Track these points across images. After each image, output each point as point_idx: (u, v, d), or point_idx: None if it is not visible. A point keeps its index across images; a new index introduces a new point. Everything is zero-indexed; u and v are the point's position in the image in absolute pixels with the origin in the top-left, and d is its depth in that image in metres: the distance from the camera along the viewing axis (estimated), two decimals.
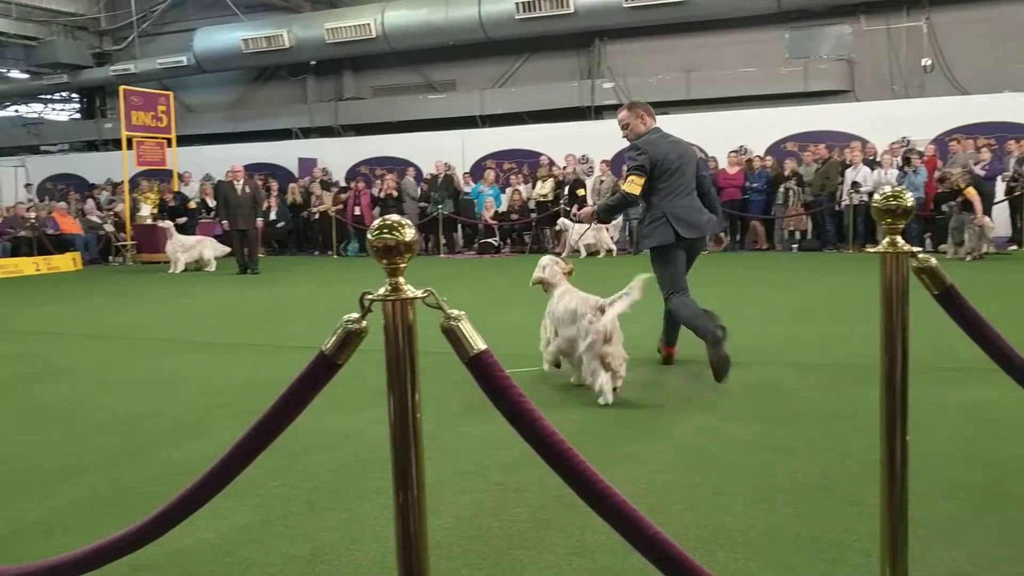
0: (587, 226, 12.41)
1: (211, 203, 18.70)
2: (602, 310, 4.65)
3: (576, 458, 1.39)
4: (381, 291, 1.44)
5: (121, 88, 17.85)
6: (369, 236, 1.44)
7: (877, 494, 2.18)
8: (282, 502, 3.31)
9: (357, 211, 18.01)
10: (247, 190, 14.07)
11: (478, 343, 1.44)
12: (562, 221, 15.83)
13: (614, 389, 4.67)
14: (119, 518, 3.22)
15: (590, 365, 4.63)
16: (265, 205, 16.54)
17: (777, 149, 17.07)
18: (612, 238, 15.97)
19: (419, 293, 1.45)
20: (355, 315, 1.46)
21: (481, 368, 1.43)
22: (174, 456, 4.00)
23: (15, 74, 27.54)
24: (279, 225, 18.73)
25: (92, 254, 17.80)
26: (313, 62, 22.73)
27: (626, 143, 5.55)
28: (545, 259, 5.26)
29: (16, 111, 32.41)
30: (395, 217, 1.46)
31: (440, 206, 17.11)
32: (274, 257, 17.89)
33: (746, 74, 18.68)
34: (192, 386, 5.58)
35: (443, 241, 17.31)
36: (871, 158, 15.35)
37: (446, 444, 3.96)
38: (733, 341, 5.20)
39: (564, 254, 15.00)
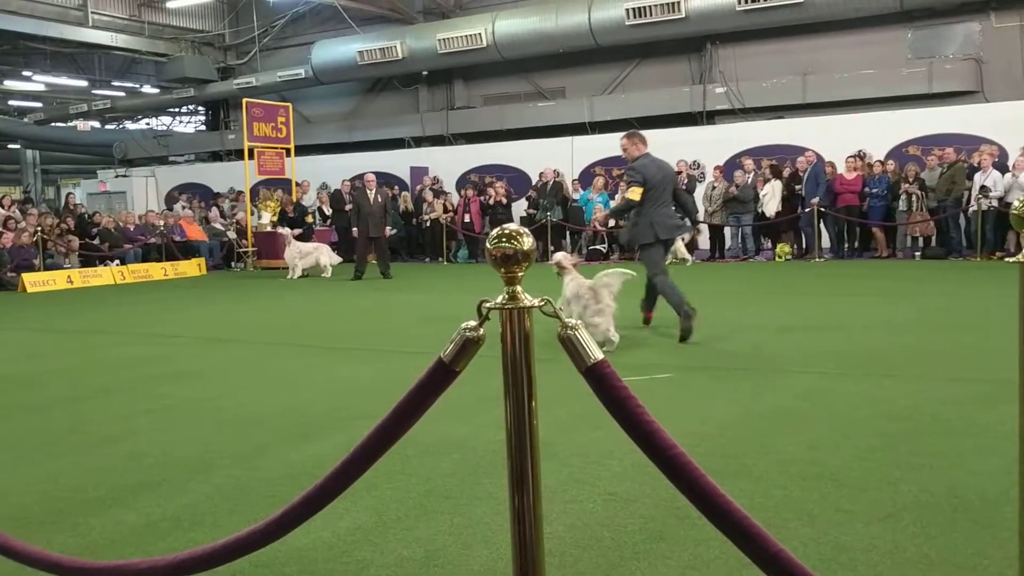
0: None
1: (327, 211, 19.30)
2: (592, 289, 6.47)
3: (696, 471, 1.36)
4: (499, 299, 1.45)
5: (244, 101, 18.60)
6: (488, 245, 1.45)
7: (1012, 516, 2.06)
8: (396, 504, 3.37)
9: (467, 218, 18.24)
10: (379, 199, 14.53)
11: (595, 352, 1.44)
12: None
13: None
14: (241, 515, 3.35)
15: (592, 321, 6.30)
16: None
17: (899, 153, 16.41)
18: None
19: (536, 302, 1.45)
20: (473, 323, 1.47)
21: (598, 378, 1.42)
22: (293, 457, 4.12)
23: (147, 89, 29.06)
24: (392, 232, 19.12)
25: (216, 260, 18.59)
26: (425, 72, 23.15)
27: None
28: (559, 254, 7.36)
29: (147, 124, 34.20)
30: (514, 226, 1.47)
31: (548, 213, 17.16)
32: None
33: (865, 76, 18.03)
34: (311, 389, 5.75)
35: (551, 248, 17.34)
36: (1002, 161, 14.60)
37: (557, 451, 3.95)
38: (858, 350, 5.03)
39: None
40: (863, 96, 17.79)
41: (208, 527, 3.26)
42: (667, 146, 17.76)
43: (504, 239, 1.43)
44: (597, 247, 17.19)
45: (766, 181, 15.92)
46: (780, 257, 15.74)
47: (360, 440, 1.59)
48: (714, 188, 16.25)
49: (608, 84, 21.50)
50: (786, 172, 16.21)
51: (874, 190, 15.19)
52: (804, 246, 15.92)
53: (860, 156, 15.89)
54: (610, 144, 19.31)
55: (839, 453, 3.85)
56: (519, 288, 1.44)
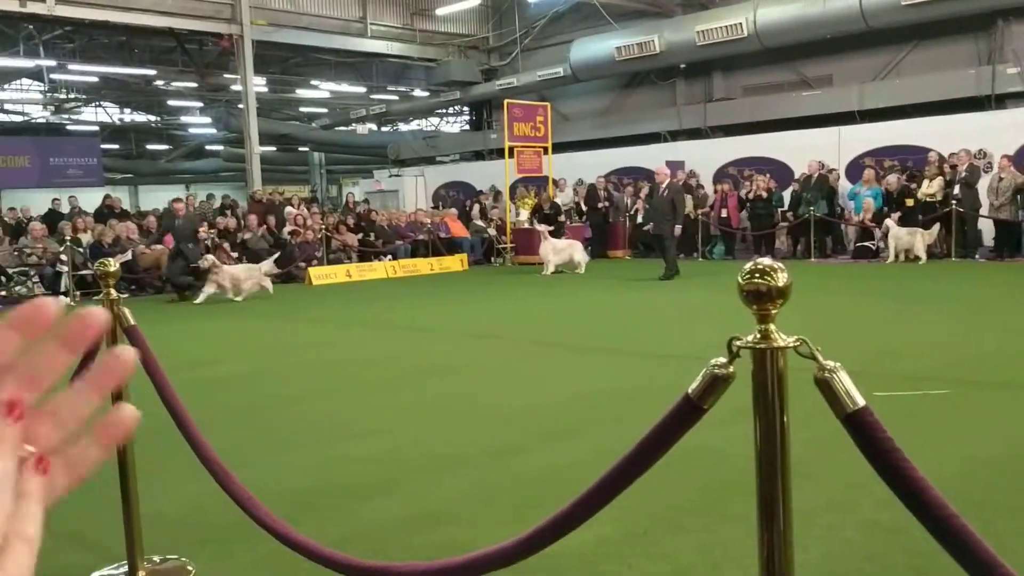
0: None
1: (583, 207, 19.59)
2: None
3: (972, 538, 1.23)
4: (749, 338, 1.38)
5: (505, 101, 19.27)
6: (739, 279, 1.38)
7: None
8: (644, 517, 3.35)
9: (724, 213, 17.79)
10: (666, 194, 13.55)
11: (856, 399, 1.33)
12: (886, 223, 14.98)
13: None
14: (495, 514, 3.47)
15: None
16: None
17: None
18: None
19: (791, 341, 1.37)
20: (722, 359, 1.42)
21: (859, 426, 1.32)
22: (545, 458, 4.22)
23: (418, 92, 30.92)
24: (645, 228, 19.05)
25: (477, 255, 19.43)
26: (683, 65, 22.82)
27: None
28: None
29: (417, 125, 36.42)
30: (768, 260, 1.39)
31: (812, 207, 16.34)
32: (639, 260, 18.24)
33: None
34: (563, 388, 5.85)
35: (814, 244, 16.51)
36: None
37: (814, 471, 3.75)
38: None
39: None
40: None
41: (464, 524, 3.40)
42: (948, 135, 16.39)
43: (757, 275, 1.36)
44: (866, 244, 16.14)
45: None
46: None
47: (601, 475, 1.58)
48: (1001, 180, 14.72)
49: (880, 69, 20.09)
50: None
51: None
52: None
53: None
54: (882, 133, 18.08)
55: None
56: (772, 327, 1.37)
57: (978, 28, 18.36)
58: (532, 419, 5.01)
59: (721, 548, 3.02)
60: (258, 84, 24.25)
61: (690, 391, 1.46)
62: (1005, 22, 17.93)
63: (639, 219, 18.48)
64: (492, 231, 19.99)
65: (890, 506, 3.30)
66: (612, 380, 6.08)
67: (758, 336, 1.37)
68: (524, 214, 18.23)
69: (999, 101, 17.69)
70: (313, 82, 30.17)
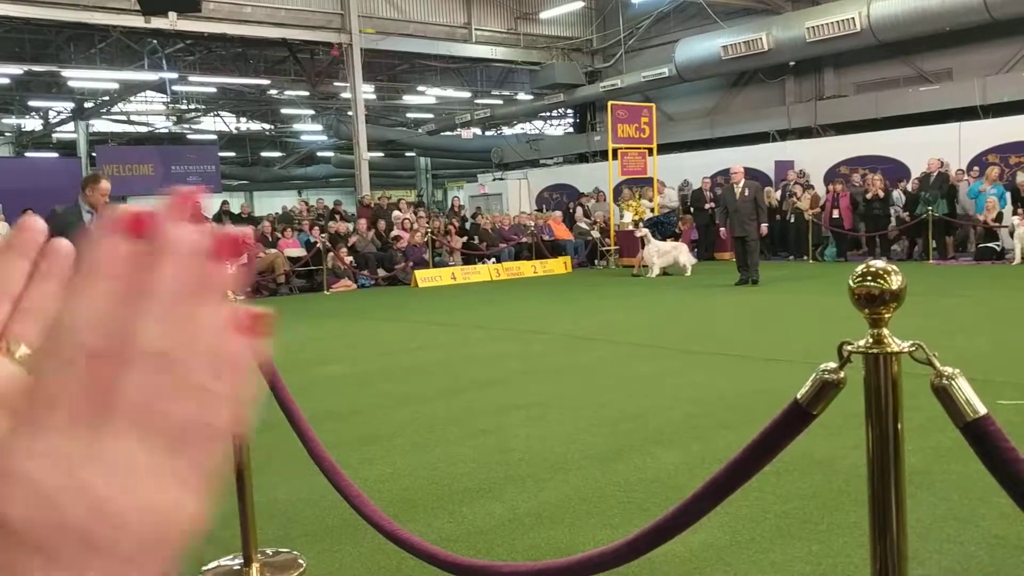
0: None
1: (690, 209, 19.33)
2: None
3: None
4: (861, 342, 1.34)
5: (609, 103, 19.18)
6: (850, 283, 1.34)
7: None
8: (751, 524, 3.29)
9: (835, 214, 17.25)
10: (747, 193, 13.07)
11: (977, 407, 1.28)
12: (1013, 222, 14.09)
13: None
14: (598, 518, 3.46)
15: None
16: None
17: None
18: None
19: (905, 346, 1.32)
20: (832, 364, 1.38)
21: (980, 437, 1.26)
22: (649, 463, 4.18)
23: (521, 96, 31.09)
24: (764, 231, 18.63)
25: (580, 258, 19.39)
26: (792, 62, 22.26)
27: None
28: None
29: (521, 129, 36.61)
30: (881, 263, 1.35)
31: (931, 207, 15.68)
32: None
33: None
34: (667, 393, 5.78)
35: (932, 245, 15.84)
36: None
37: (935, 481, 3.60)
38: None
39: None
40: None
41: (566, 527, 3.41)
42: None
43: (870, 277, 1.32)
44: (990, 245, 15.39)
45: None
46: None
47: (708, 479, 1.56)
48: None
49: (1005, 62, 19.12)
50: None
51: None
52: None
53: None
54: (1007, 129, 17.21)
55: None
56: (886, 331, 1.32)
57: None
58: (636, 423, 4.97)
59: (831, 558, 2.93)
60: (366, 91, 24.85)
61: (799, 396, 1.43)
62: None
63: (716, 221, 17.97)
64: (596, 233, 19.92)
65: (1016, 520, 3.14)
66: (719, 384, 5.97)
67: (871, 340, 1.33)
68: (629, 216, 18.09)
69: None
70: (419, 88, 30.71)
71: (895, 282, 1.32)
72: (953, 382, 1.30)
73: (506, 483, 3.99)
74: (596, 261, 19.42)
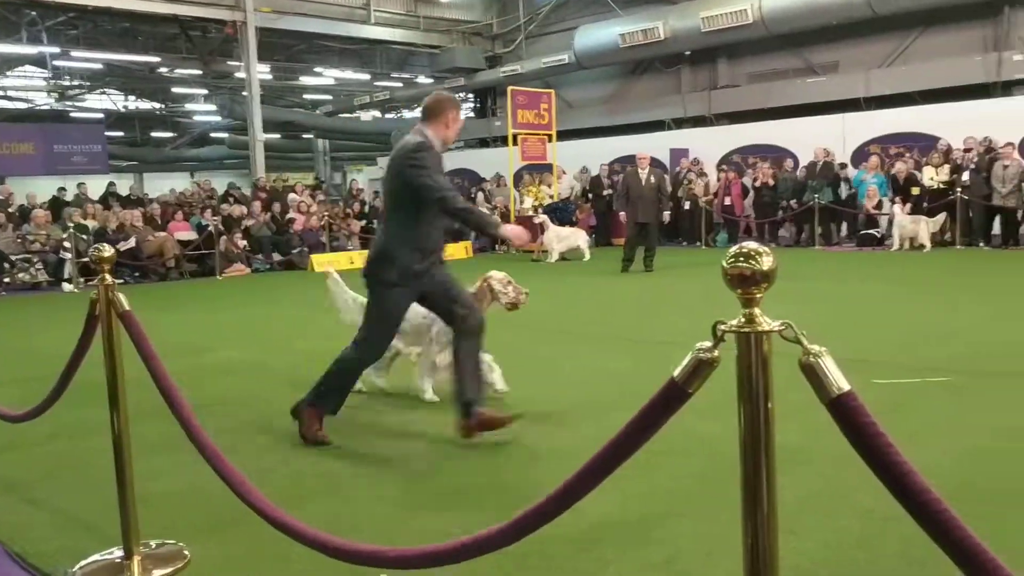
0: None
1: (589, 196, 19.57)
2: None
3: (952, 522, 1.23)
4: (734, 322, 1.38)
5: (509, 89, 19.21)
6: (723, 264, 1.38)
7: None
8: (640, 503, 3.35)
9: (727, 201, 17.74)
10: (651, 180, 13.02)
11: (841, 383, 1.33)
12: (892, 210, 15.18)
13: None
14: (491, 500, 3.47)
15: None
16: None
17: None
18: None
19: (776, 326, 1.36)
20: (707, 343, 1.41)
21: (844, 412, 1.31)
22: (543, 447, 4.22)
23: (422, 79, 30.84)
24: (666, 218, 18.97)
25: (482, 243, 19.39)
26: (688, 52, 22.72)
27: None
28: None
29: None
30: (753, 244, 1.38)
31: (817, 195, 16.29)
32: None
33: None
34: (564, 376, 5.86)
35: (819, 231, 16.46)
36: None
37: (813, 457, 3.74)
38: None
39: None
40: None
41: (460, 510, 3.41)
42: (954, 122, 16.30)
43: (742, 258, 1.36)
44: (870, 231, 16.09)
45: None
46: None
47: (589, 460, 1.58)
48: (1006, 167, 14.63)
49: (887, 56, 19.98)
50: None
51: None
52: None
53: None
54: (888, 120, 17.99)
55: None
56: (757, 311, 1.36)
57: (985, 15, 18.24)
58: (534, 405, 5.01)
59: (716, 535, 3.02)
60: (262, 71, 24.21)
61: (675, 375, 1.46)
62: (1012, 8, 17.82)
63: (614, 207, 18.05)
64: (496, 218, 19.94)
65: (884, 493, 3.29)
66: (613, 366, 6.08)
67: (743, 320, 1.37)
68: (529, 201, 18.20)
69: (1005, 88, 17.60)
70: (317, 69, 30.12)
71: (766, 263, 1.36)
72: (819, 360, 1.34)
73: (400, 468, 3.97)
74: (497, 246, 19.47)
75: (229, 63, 25.67)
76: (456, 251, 17.98)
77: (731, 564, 2.76)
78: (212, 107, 33.28)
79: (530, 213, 17.83)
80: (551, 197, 18.80)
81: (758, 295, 1.36)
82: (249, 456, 4.12)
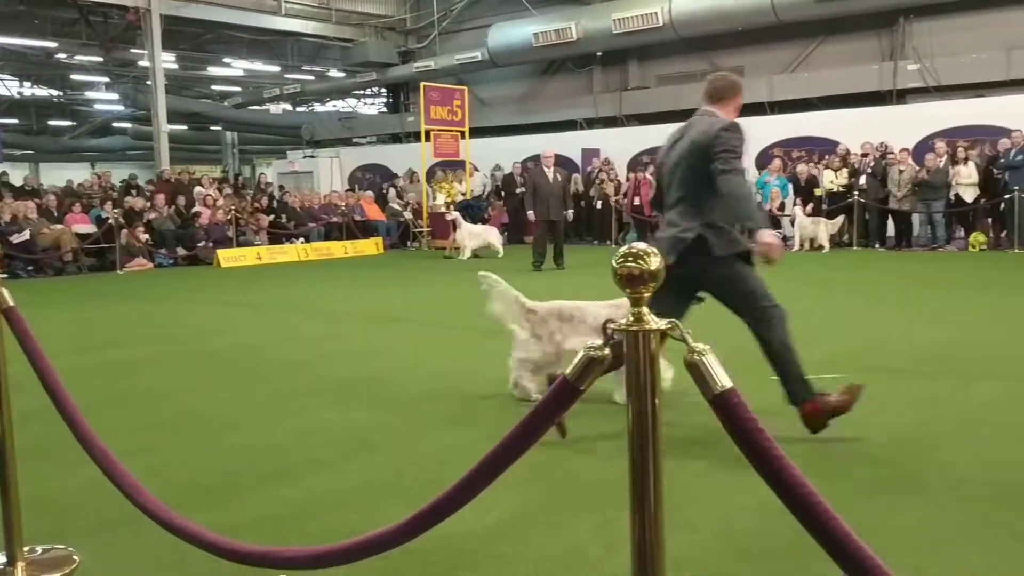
0: None
1: (502, 193, 19.62)
2: None
3: (826, 514, 1.27)
4: (622, 321, 1.40)
5: (422, 84, 19.12)
6: (613, 263, 1.40)
7: None
8: (544, 500, 3.38)
9: (637, 201, 18.03)
10: (558, 178, 13.13)
11: (723, 380, 1.36)
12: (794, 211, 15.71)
13: None
14: (395, 499, 3.45)
15: None
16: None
17: None
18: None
19: (663, 324, 1.39)
20: (598, 342, 1.44)
21: (725, 408, 1.35)
22: (447, 442, 4.22)
23: (334, 73, 30.42)
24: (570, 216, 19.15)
25: (393, 239, 19.27)
26: (599, 53, 23.00)
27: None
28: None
29: (334, 106, 35.84)
30: (642, 245, 1.41)
31: None
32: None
33: None
34: (474, 374, 5.86)
35: None
36: None
37: (709, 453, 3.82)
38: None
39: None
40: None
41: (363, 509, 3.37)
42: (853, 128, 16.94)
43: (631, 259, 1.38)
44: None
45: (957, 163, 14.86)
46: (974, 247, 14.65)
47: (484, 456, 1.59)
48: (901, 172, 15.28)
49: (790, 62, 20.63)
50: (983, 154, 15.12)
51: None
52: (1005, 235, 14.75)
53: None
54: (790, 125, 18.57)
55: None
56: (645, 310, 1.39)
57: (882, 25, 19.01)
58: (441, 402, 5.02)
59: (618, 531, 3.06)
60: (167, 60, 23.51)
61: (567, 373, 1.48)
62: (907, 20, 18.60)
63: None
64: (408, 215, 19.85)
65: None
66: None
67: (631, 319, 1.39)
68: (441, 198, 18.15)
69: (900, 96, 18.36)
70: (225, 60, 29.39)
71: (653, 263, 1.39)
72: (703, 358, 1.38)
73: (304, 467, 3.91)
74: (408, 243, 19.37)
75: (132, 51, 24.83)
76: (367, 247, 17.82)
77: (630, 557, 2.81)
78: (114, 96, 32.14)
79: (442, 210, 17.78)
80: (463, 194, 18.80)
81: (646, 294, 1.39)
82: (144, 456, 4.00)
